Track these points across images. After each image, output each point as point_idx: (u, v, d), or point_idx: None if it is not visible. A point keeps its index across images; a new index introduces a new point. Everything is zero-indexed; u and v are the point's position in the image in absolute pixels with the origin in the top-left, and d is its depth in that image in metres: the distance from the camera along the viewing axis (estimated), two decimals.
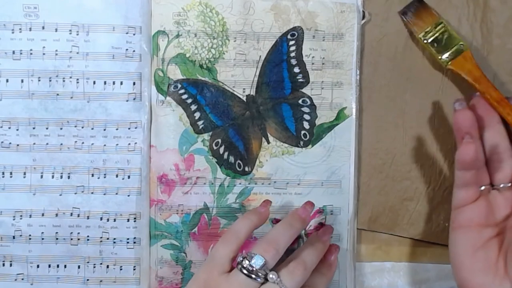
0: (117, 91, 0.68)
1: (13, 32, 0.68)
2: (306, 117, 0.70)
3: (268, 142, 0.70)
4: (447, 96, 0.71)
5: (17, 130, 0.68)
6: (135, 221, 0.69)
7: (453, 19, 0.71)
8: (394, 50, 0.71)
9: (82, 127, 0.69)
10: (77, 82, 0.68)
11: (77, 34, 0.68)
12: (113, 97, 0.69)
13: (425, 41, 0.69)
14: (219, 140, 0.69)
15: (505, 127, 0.64)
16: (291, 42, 0.69)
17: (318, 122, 0.70)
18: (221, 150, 0.69)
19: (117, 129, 0.69)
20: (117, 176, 0.69)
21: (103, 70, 0.68)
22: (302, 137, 0.70)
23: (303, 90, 0.69)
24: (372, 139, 0.72)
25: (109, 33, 0.68)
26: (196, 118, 0.69)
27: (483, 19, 0.71)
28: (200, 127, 0.69)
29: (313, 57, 0.69)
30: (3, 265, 0.69)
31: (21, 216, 0.69)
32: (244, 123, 0.69)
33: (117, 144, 0.69)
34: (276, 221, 0.69)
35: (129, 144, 0.69)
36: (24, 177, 0.69)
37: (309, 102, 0.69)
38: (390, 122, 0.71)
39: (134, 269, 0.69)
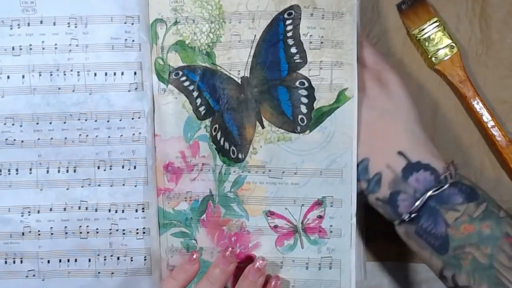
0: (118, 81, 0.68)
1: (11, 28, 0.67)
2: (304, 100, 0.66)
3: (263, 127, 0.67)
4: (446, 92, 0.72)
5: (21, 126, 0.68)
6: (143, 211, 0.69)
7: (452, 14, 0.71)
8: (394, 48, 0.72)
9: (86, 120, 0.68)
10: (78, 75, 0.68)
11: (76, 27, 0.67)
12: (114, 88, 0.68)
13: (418, 39, 0.70)
14: (217, 126, 0.68)
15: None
16: (288, 22, 0.66)
17: (316, 105, 0.66)
18: (218, 136, 0.68)
19: (120, 120, 0.68)
20: (123, 167, 0.69)
21: (103, 61, 0.68)
22: (300, 122, 0.66)
23: (301, 72, 0.66)
24: None
25: (108, 24, 0.68)
26: (198, 104, 0.68)
27: (481, 14, 0.71)
28: (202, 113, 0.68)
29: (311, 35, 0.66)
30: (14, 262, 0.69)
31: (29, 212, 0.69)
32: (239, 107, 0.67)
33: (121, 135, 0.69)
34: (270, 213, 0.67)
35: (133, 134, 0.69)
36: (30, 173, 0.68)
37: (306, 84, 0.65)
38: None
39: (145, 260, 0.69)
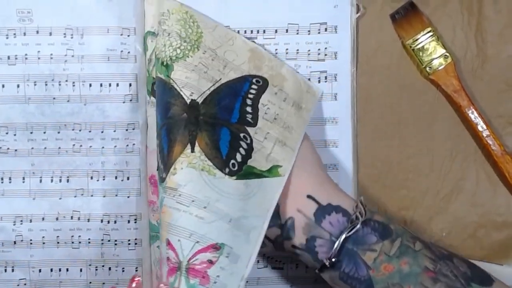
0: (113, 93, 0.69)
1: (7, 38, 0.68)
2: (242, 151, 0.62)
3: (192, 151, 0.61)
4: (443, 103, 0.71)
5: (15, 135, 0.68)
6: (135, 222, 0.69)
7: (447, 28, 0.71)
8: (389, 60, 0.71)
9: (80, 130, 0.69)
10: (73, 85, 0.68)
11: (72, 37, 0.68)
12: (109, 99, 0.69)
13: (412, 49, 0.70)
14: (158, 141, 0.64)
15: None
16: (254, 86, 0.65)
17: (250, 163, 0.62)
18: (158, 151, 0.64)
19: (114, 131, 0.69)
20: (116, 178, 0.69)
21: (98, 72, 0.68)
22: (231, 165, 0.62)
23: (248, 129, 0.63)
24: (368, 149, 0.72)
25: (104, 35, 0.68)
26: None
27: (477, 28, 0.71)
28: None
29: (268, 108, 0.64)
30: (5, 270, 0.69)
31: (21, 221, 0.69)
32: (177, 124, 0.62)
33: (115, 146, 0.69)
34: (168, 242, 0.59)
35: (127, 145, 0.69)
36: (23, 182, 0.69)
37: (249, 141, 0.63)
38: (386, 131, 0.72)
39: (136, 270, 0.69)
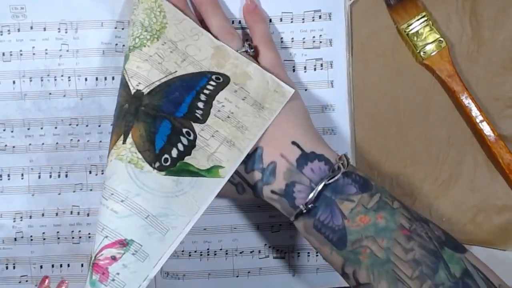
0: (109, 86, 0.69)
1: (1, 34, 0.68)
2: (180, 146, 0.60)
3: (124, 142, 0.59)
4: (439, 89, 0.71)
5: (12, 132, 0.68)
6: None
7: (442, 12, 0.71)
8: (384, 47, 0.71)
9: (77, 125, 0.69)
10: (69, 80, 0.68)
11: (66, 32, 0.68)
12: (105, 92, 0.69)
13: (406, 33, 0.70)
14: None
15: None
16: (212, 83, 0.63)
17: (187, 160, 0.60)
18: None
19: (111, 125, 0.68)
20: None
21: (94, 66, 0.69)
22: (163, 160, 0.59)
23: (194, 125, 0.61)
24: (366, 137, 0.72)
25: (98, 29, 0.68)
26: None
27: (472, 12, 0.71)
28: None
29: (223, 106, 0.63)
30: (6, 268, 0.69)
31: (21, 217, 0.69)
32: (119, 115, 0.61)
33: None
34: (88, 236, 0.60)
35: None
36: (22, 178, 0.69)
37: (191, 137, 0.61)
38: (383, 119, 0.72)
39: None
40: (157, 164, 0.59)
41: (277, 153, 0.62)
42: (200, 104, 0.62)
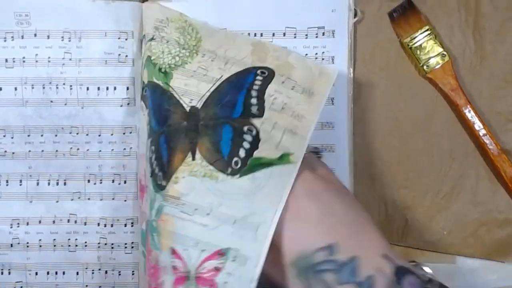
0: (111, 96, 0.69)
1: (5, 40, 0.68)
2: (246, 145, 0.60)
3: (193, 159, 0.60)
4: (442, 103, 0.71)
5: (12, 138, 0.68)
6: (132, 225, 0.68)
7: (445, 26, 0.71)
8: (387, 60, 0.71)
9: (77, 133, 0.69)
10: (71, 89, 0.69)
11: (69, 41, 0.69)
12: (107, 102, 0.69)
13: (409, 47, 0.70)
14: (153, 147, 0.63)
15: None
16: (259, 77, 0.63)
17: (256, 154, 0.60)
18: (153, 158, 0.63)
19: (112, 135, 0.69)
20: (113, 181, 0.69)
21: (96, 75, 0.69)
22: (233, 164, 0.59)
23: (253, 120, 0.61)
24: (368, 149, 0.71)
25: (101, 39, 0.69)
26: (147, 122, 0.65)
27: (475, 26, 0.71)
28: (148, 132, 0.65)
29: (275, 98, 0.62)
30: (2, 273, 0.69)
31: (18, 224, 0.68)
32: (177, 132, 0.62)
33: (112, 150, 0.69)
34: (173, 251, 0.59)
35: (124, 149, 0.69)
36: (20, 184, 0.69)
37: (254, 133, 0.61)
38: (385, 131, 0.71)
39: (133, 274, 0.68)
40: (229, 170, 0.59)
41: (374, 265, 0.55)
42: (253, 100, 0.62)
